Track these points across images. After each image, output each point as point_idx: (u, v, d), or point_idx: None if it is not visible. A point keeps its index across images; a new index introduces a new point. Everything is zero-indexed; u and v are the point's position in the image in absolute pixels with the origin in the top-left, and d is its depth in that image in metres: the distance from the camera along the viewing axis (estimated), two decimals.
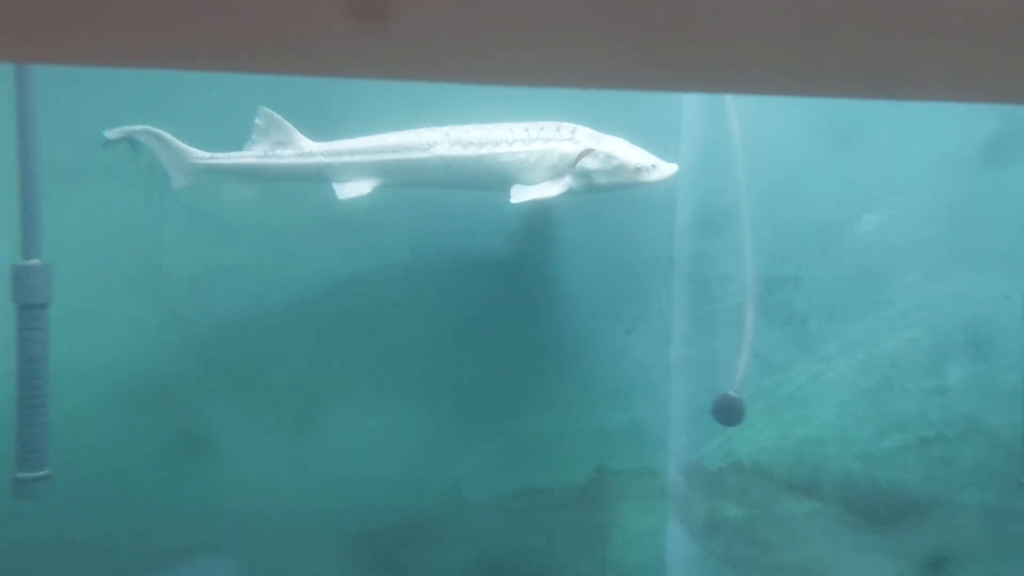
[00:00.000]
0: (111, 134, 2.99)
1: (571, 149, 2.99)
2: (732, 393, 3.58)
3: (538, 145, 2.99)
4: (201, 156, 3.08)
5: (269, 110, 3.06)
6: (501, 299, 3.75)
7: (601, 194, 3.08)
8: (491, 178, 3.02)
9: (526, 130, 3.01)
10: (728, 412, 3.61)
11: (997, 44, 0.75)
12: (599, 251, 3.78)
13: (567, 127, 3.01)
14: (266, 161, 3.08)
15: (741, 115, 3.48)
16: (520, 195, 2.95)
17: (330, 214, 3.20)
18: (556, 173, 2.99)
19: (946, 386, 3.77)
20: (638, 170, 2.97)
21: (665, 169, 3.01)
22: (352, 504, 3.62)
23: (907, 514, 3.70)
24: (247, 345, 3.52)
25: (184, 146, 3.07)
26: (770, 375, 3.82)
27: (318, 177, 3.08)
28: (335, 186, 3.06)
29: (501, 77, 0.94)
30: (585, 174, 2.99)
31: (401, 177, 3.07)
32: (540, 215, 3.65)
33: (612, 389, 3.74)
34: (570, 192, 2.99)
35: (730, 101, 3.45)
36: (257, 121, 3.06)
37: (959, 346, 3.76)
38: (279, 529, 3.55)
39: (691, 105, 3.61)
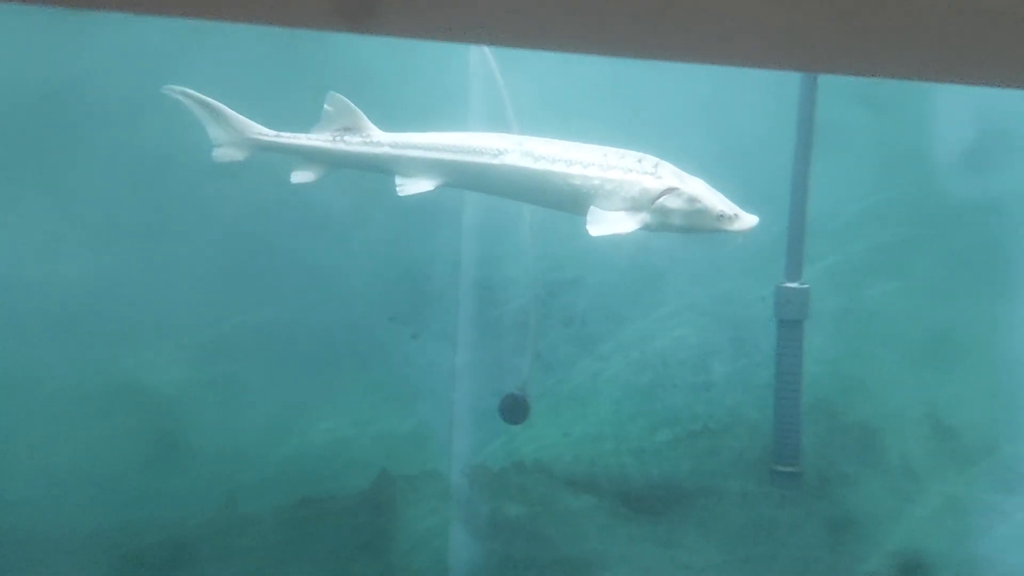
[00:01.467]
0: (170, 91, 2.96)
1: (653, 185, 2.80)
2: (516, 392, 3.66)
3: (616, 174, 2.83)
4: (266, 133, 3.01)
5: (339, 95, 2.98)
6: (281, 302, 3.63)
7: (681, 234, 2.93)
8: (558, 197, 2.89)
9: (604, 155, 2.86)
10: (512, 411, 3.68)
11: None
12: (385, 255, 3.74)
13: (649, 160, 2.83)
14: (333, 146, 3.00)
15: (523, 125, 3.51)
16: (598, 226, 2.78)
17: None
18: (633, 206, 2.81)
19: (711, 382, 4.03)
20: (720, 218, 2.79)
21: (746, 220, 2.82)
22: (116, 522, 3.40)
23: (676, 504, 3.94)
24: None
25: (244, 119, 3.01)
26: (552, 374, 3.94)
27: (383, 167, 3.01)
28: (397, 180, 2.97)
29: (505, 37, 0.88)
30: (664, 212, 2.80)
31: (466, 180, 2.99)
32: (323, 217, 3.57)
33: (397, 395, 3.73)
34: (644, 228, 2.81)
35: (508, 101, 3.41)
36: (326, 106, 2.99)
37: (722, 344, 4.03)
38: (33, 551, 3.28)
39: (477, 100, 3.58)
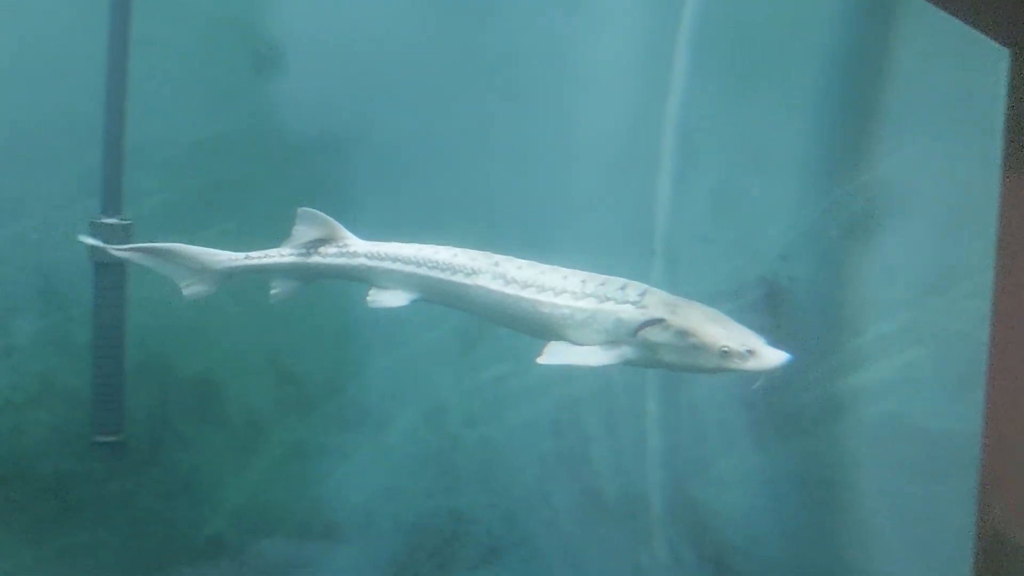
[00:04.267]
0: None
1: (632, 315, 2.42)
2: None
3: (589, 303, 2.49)
4: (235, 258, 2.87)
5: (310, 209, 2.85)
6: None
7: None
8: (529, 326, 2.61)
9: (583, 282, 2.52)
10: None
11: None
12: None
13: (636, 288, 2.45)
14: (307, 260, 2.88)
15: None
16: (549, 357, 2.48)
17: None
18: (609, 339, 2.47)
19: (13, 345, 3.27)
20: (725, 355, 2.27)
21: (766, 358, 2.24)
22: None
23: None
24: None
25: (204, 250, 2.87)
26: None
27: (361, 279, 2.84)
28: (369, 292, 2.81)
29: None
30: (650, 347, 2.41)
31: (440, 298, 2.79)
32: None
33: None
34: (629, 364, 2.45)
35: None
36: (297, 223, 2.88)
37: (27, 297, 3.28)
38: None
39: None
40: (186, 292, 2.89)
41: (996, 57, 1.13)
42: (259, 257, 2.89)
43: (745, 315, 2.92)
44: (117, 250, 2.87)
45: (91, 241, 2.99)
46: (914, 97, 2.65)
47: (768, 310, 2.91)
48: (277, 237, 3.41)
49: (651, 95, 3.29)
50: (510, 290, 2.70)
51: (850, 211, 2.68)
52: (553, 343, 2.57)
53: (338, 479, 3.99)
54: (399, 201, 3.78)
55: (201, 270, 2.88)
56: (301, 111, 3.74)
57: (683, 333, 2.38)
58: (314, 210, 2.91)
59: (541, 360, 2.50)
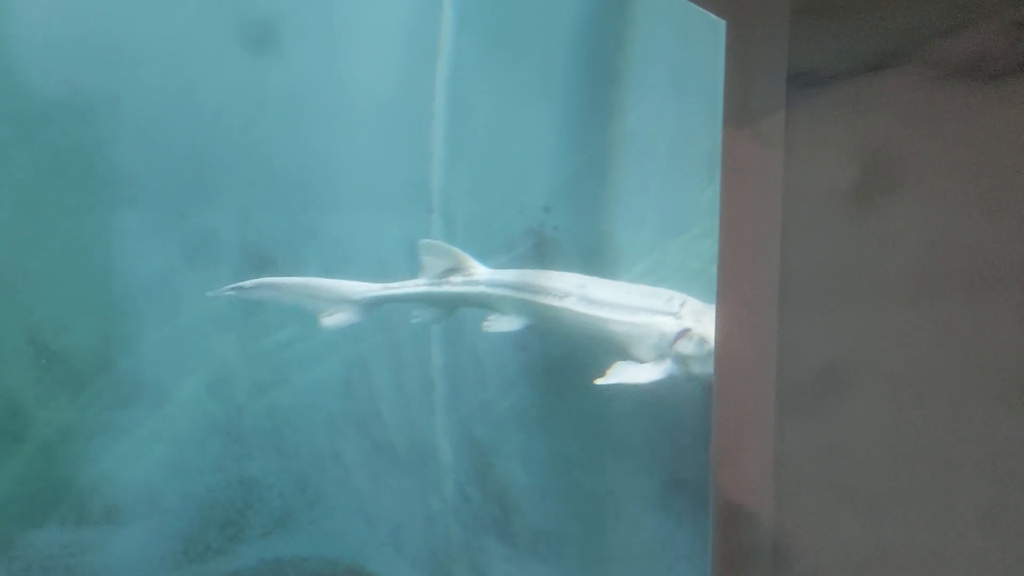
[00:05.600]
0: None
1: (670, 327, 2.34)
2: None
3: (642, 317, 2.45)
4: (373, 288, 3.04)
5: (434, 241, 3.05)
6: None
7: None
8: (607, 346, 2.51)
9: (641, 295, 2.51)
10: None
11: None
12: None
13: (679, 298, 2.39)
14: (438, 289, 3.00)
15: None
16: (610, 377, 2.38)
17: None
18: (656, 354, 2.37)
19: None
20: None
21: None
22: None
23: None
24: None
25: (342, 282, 3.04)
26: None
27: (484, 305, 2.94)
28: (488, 317, 2.90)
29: None
30: (682, 360, 2.31)
31: (543, 323, 2.78)
32: None
33: None
34: (673, 378, 2.33)
35: None
36: (424, 254, 3.01)
37: None
38: None
39: None
40: (325, 321, 3.04)
41: (715, 27, 1.34)
42: (396, 288, 3.07)
43: (518, 265, 3.13)
44: (246, 286, 2.99)
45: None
46: (649, 60, 2.92)
47: (537, 259, 3.13)
48: (31, 209, 3.18)
49: (422, 54, 3.37)
50: (589, 311, 2.64)
51: (601, 163, 2.93)
52: (616, 364, 2.49)
53: (116, 458, 3.80)
54: (166, 165, 3.61)
55: (340, 301, 3.02)
56: (47, 68, 3.46)
57: (702, 341, 2.34)
58: (438, 242, 3.09)
59: (601, 381, 2.42)
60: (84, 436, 3.71)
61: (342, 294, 3.08)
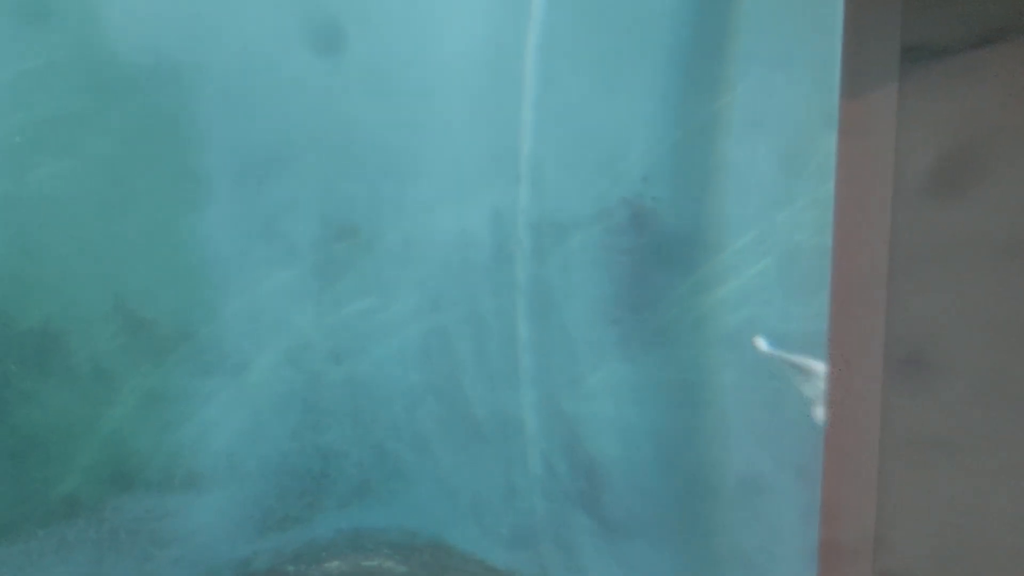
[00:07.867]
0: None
1: None
2: None
3: None
4: None
5: None
6: None
7: None
8: None
9: None
10: None
11: None
12: None
13: None
14: None
15: None
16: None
17: None
18: None
19: None
20: None
21: None
22: None
23: None
24: None
25: None
26: None
27: None
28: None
29: None
30: None
31: None
32: None
33: None
34: None
35: None
36: None
37: None
38: None
39: None
40: (817, 412, 2.70)
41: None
42: None
43: (612, 238, 3.05)
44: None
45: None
46: (756, 32, 2.81)
47: (634, 231, 3.04)
48: (117, 178, 3.19)
49: (511, 18, 3.28)
50: None
51: (706, 135, 2.83)
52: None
53: (198, 425, 3.85)
54: (249, 133, 3.60)
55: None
56: (133, 37, 3.45)
57: None
58: None
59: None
60: (168, 402, 3.75)
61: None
